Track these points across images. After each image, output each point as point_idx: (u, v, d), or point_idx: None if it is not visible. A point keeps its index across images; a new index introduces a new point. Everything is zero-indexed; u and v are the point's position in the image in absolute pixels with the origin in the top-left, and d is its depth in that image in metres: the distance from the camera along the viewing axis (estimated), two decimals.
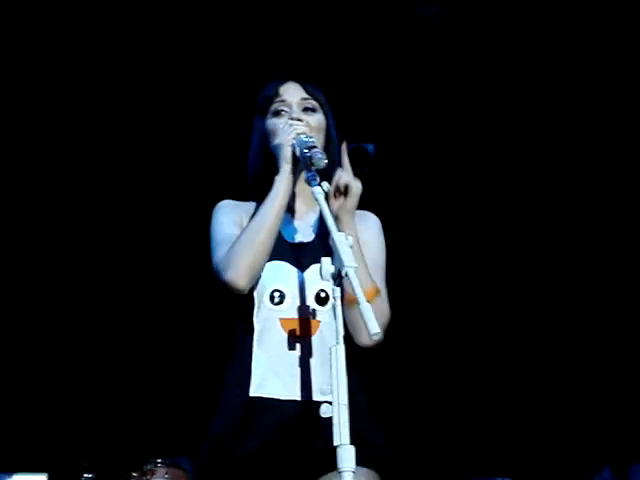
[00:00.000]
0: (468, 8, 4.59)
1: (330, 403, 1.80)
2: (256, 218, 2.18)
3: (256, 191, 2.35)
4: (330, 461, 1.74)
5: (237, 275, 2.13)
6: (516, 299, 5.84)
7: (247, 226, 2.20)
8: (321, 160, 2.08)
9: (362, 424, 2.12)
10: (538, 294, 5.84)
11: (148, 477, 4.61)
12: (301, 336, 2.16)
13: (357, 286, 1.73)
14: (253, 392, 2.16)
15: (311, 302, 2.18)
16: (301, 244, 2.28)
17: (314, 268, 2.19)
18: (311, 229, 2.29)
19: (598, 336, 5.78)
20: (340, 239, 1.84)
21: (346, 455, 1.70)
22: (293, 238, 2.30)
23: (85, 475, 4.59)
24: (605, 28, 4.61)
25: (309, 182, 2.07)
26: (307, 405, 2.11)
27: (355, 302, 1.74)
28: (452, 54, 4.85)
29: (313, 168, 2.08)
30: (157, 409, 5.65)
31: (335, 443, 1.71)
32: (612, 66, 4.83)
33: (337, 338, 1.80)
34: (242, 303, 2.23)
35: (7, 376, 5.56)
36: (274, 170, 2.26)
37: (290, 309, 2.18)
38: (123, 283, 5.66)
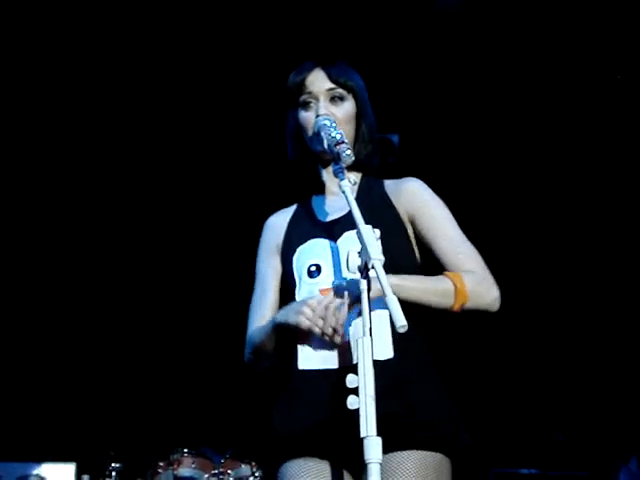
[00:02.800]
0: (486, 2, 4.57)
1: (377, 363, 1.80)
2: (261, 332, 2.28)
3: (296, 180, 2.41)
4: (382, 427, 1.72)
5: (249, 360, 2.35)
6: (538, 294, 5.81)
7: (258, 329, 2.30)
8: (348, 157, 2.09)
9: (424, 399, 2.10)
10: (559, 288, 5.81)
11: (175, 466, 4.65)
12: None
13: (384, 279, 1.72)
14: (301, 365, 2.17)
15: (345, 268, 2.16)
16: (333, 221, 2.30)
17: (345, 236, 2.20)
18: (345, 206, 2.23)
19: (624, 329, 5.75)
20: (367, 232, 1.84)
21: (373, 447, 1.69)
22: (326, 217, 2.33)
23: (113, 464, 4.63)
24: (618, 27, 4.59)
25: (336, 175, 2.09)
26: (351, 370, 2.01)
27: None
28: (473, 46, 4.82)
29: (340, 162, 2.08)
30: (184, 400, 5.67)
31: (362, 434, 1.70)
32: (623, 67, 4.81)
33: (363, 330, 1.80)
34: (289, 287, 2.28)
35: (37, 367, 5.61)
36: (310, 160, 2.34)
37: (328, 279, 2.18)
38: (152, 271, 5.68)
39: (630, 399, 5.66)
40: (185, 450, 4.69)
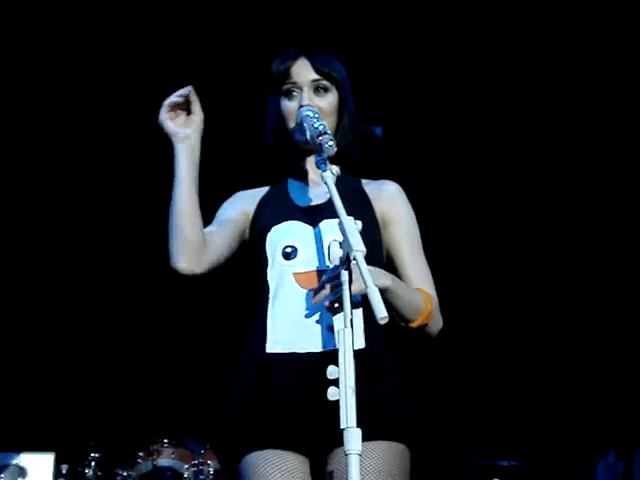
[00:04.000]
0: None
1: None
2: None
3: (275, 166, 2.41)
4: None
5: (173, 260, 2.18)
6: (519, 289, 5.85)
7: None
8: (331, 148, 2.08)
9: (390, 389, 2.11)
10: (540, 284, 5.84)
11: (154, 457, 4.64)
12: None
13: (365, 270, 1.72)
14: (270, 349, 2.14)
15: (323, 254, 2.16)
16: (312, 207, 2.29)
17: (326, 223, 2.20)
18: (323, 194, 2.24)
19: (603, 321, 5.79)
20: (349, 223, 1.84)
21: (353, 438, 1.69)
22: (303, 202, 2.32)
23: (92, 454, 4.62)
24: (611, 27, 4.61)
25: (319, 166, 2.09)
26: (327, 356, 2.04)
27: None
28: (459, 39, 4.83)
29: (323, 154, 2.08)
30: (163, 390, 5.67)
31: (342, 426, 1.71)
32: (619, 65, 4.83)
33: (344, 321, 1.80)
34: (257, 266, 2.26)
35: (15, 356, 5.59)
36: (291, 149, 2.34)
37: (303, 263, 2.18)
38: (136, 266, 5.67)
39: (609, 392, 5.70)
40: (165, 441, 4.68)
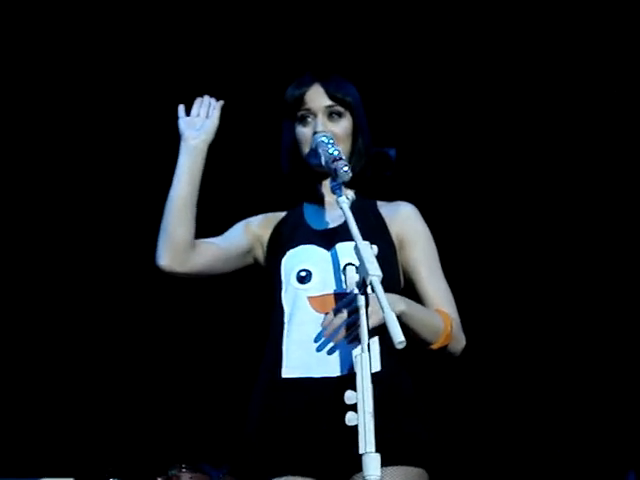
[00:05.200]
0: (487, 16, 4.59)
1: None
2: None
3: (290, 191, 2.43)
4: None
5: (157, 255, 2.25)
6: (534, 305, 5.81)
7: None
8: (346, 174, 2.09)
9: (407, 414, 2.11)
10: (554, 300, 5.81)
11: None
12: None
13: (382, 295, 1.72)
14: (285, 374, 2.14)
15: (339, 277, 2.17)
16: (327, 230, 2.30)
17: (340, 246, 2.21)
18: (339, 217, 2.25)
19: (623, 343, 5.75)
20: (365, 248, 1.84)
21: (372, 463, 1.69)
22: (319, 225, 2.34)
23: (110, 479, 4.62)
24: (605, 28, 4.60)
25: (334, 191, 2.10)
26: (343, 380, 2.05)
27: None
28: (471, 59, 4.84)
29: (338, 179, 2.09)
30: (182, 415, 5.66)
31: (360, 451, 1.70)
32: (613, 66, 4.81)
33: (362, 346, 1.79)
34: (272, 290, 2.27)
35: (34, 381, 5.60)
36: (306, 173, 2.36)
37: (317, 287, 2.18)
38: (144, 293, 5.66)
39: (629, 413, 5.66)
40: (183, 465, 4.68)
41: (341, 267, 2.18)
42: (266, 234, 2.39)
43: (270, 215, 2.46)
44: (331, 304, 2.13)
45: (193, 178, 2.29)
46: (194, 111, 2.38)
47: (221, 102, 2.38)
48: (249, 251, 2.39)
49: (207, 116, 2.36)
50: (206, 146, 2.34)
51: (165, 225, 2.26)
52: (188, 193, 2.27)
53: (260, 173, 4.53)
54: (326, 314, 2.05)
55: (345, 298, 2.00)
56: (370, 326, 1.85)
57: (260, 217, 2.46)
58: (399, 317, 1.92)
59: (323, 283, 2.19)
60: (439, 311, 2.20)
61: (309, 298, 2.18)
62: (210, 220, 2.40)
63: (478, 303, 5.41)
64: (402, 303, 2.07)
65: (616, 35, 4.63)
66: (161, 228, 2.27)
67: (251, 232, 2.40)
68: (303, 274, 2.21)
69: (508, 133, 5.26)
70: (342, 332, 1.97)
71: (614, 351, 5.79)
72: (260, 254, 2.39)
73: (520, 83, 4.93)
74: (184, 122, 2.35)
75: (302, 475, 2.09)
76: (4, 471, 4.88)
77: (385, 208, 2.37)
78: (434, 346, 2.16)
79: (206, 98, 2.40)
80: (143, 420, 5.65)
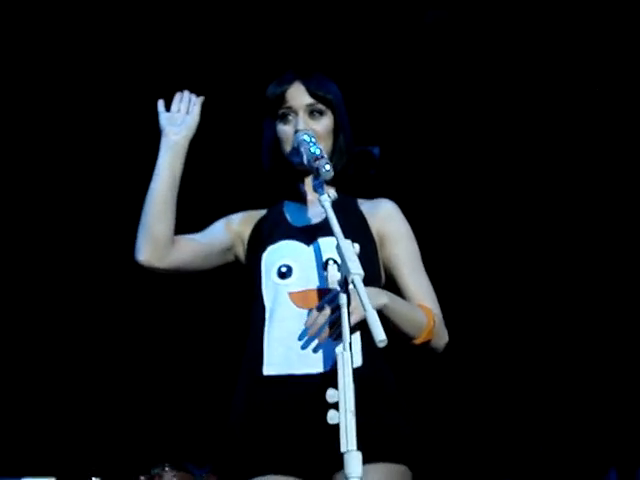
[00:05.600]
0: (472, 14, 4.59)
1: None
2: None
3: (272, 190, 2.42)
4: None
5: (136, 250, 2.24)
6: (518, 302, 5.84)
7: None
8: (328, 173, 2.08)
9: (388, 410, 2.10)
10: (542, 295, 5.83)
11: None
12: (311, 307, 2.09)
13: (363, 293, 1.71)
14: (266, 371, 2.13)
15: (320, 272, 2.17)
16: (308, 226, 2.30)
17: (322, 241, 2.20)
18: (320, 214, 2.26)
19: (605, 340, 5.78)
20: (346, 246, 1.84)
21: (354, 461, 1.68)
22: (299, 222, 2.33)
23: (93, 479, 4.61)
24: (605, 28, 4.61)
25: (316, 189, 2.09)
26: (324, 377, 2.04)
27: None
28: (455, 57, 4.84)
29: (320, 178, 2.09)
30: (165, 414, 5.66)
31: (342, 450, 1.69)
32: (612, 66, 4.83)
33: (344, 345, 1.79)
34: (252, 285, 2.26)
35: (15, 381, 5.58)
36: (287, 171, 2.35)
37: (298, 282, 2.18)
38: (130, 291, 5.66)
39: (610, 411, 5.69)
40: (166, 464, 4.67)
41: (321, 263, 2.18)
42: (246, 231, 2.38)
43: (251, 212, 2.45)
44: (312, 299, 2.13)
45: (173, 174, 2.29)
46: (174, 107, 2.36)
47: (201, 98, 2.38)
48: (229, 248, 2.38)
49: (187, 112, 2.36)
50: (187, 142, 2.34)
51: (145, 220, 2.25)
52: (168, 189, 2.27)
53: (241, 170, 4.54)
54: (309, 311, 2.05)
55: (327, 295, 1.99)
56: (352, 323, 1.85)
57: (240, 214, 2.45)
58: (381, 311, 1.93)
59: (304, 278, 2.18)
60: (422, 306, 2.20)
61: (290, 294, 2.17)
62: (190, 217, 2.39)
63: (462, 299, 5.43)
64: (384, 296, 2.06)
65: (616, 35, 4.65)
66: (140, 223, 2.25)
67: (232, 229, 2.39)
68: (284, 270, 2.21)
69: (493, 130, 5.27)
70: (326, 331, 1.96)
71: (597, 349, 5.82)
72: (240, 251, 2.38)
73: (506, 79, 4.94)
74: (164, 117, 2.35)
75: (284, 474, 2.08)
76: None
77: (366, 205, 2.36)
78: (417, 341, 2.15)
79: (186, 94, 2.39)
80: (126, 419, 5.64)
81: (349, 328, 1.82)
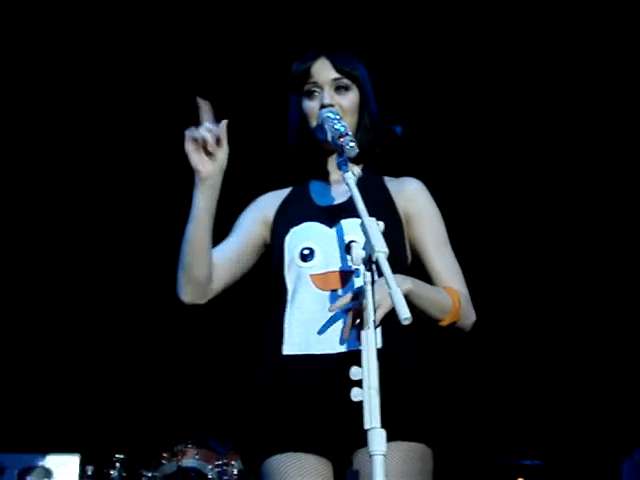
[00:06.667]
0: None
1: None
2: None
3: (298, 166, 2.41)
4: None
5: (179, 291, 2.22)
6: (541, 288, 5.82)
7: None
8: (352, 150, 2.08)
9: (408, 390, 2.10)
10: (561, 285, 5.82)
11: (179, 457, 4.67)
12: (332, 289, 2.14)
13: (387, 271, 1.71)
14: (285, 351, 2.14)
15: (342, 254, 2.17)
16: (331, 206, 2.29)
17: (345, 222, 2.20)
18: (344, 193, 2.25)
19: (627, 322, 5.75)
20: (371, 224, 1.83)
21: (377, 438, 1.69)
22: (323, 201, 2.33)
23: (117, 455, 4.65)
24: (605, 28, 4.59)
25: (340, 167, 2.09)
26: (344, 357, 2.05)
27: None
28: (478, 39, 4.82)
29: (344, 155, 2.08)
30: (188, 391, 5.69)
31: (366, 426, 1.70)
32: (612, 66, 4.80)
33: (367, 323, 1.79)
34: (276, 268, 2.26)
35: (41, 359, 5.63)
36: (313, 149, 2.34)
37: (320, 264, 2.18)
38: (153, 267, 5.68)
39: (635, 389, 5.66)
40: (189, 441, 4.70)
41: (344, 245, 2.17)
42: (271, 212, 2.38)
43: (275, 192, 2.45)
44: (334, 281, 2.14)
45: (210, 214, 2.16)
46: (198, 134, 2.10)
47: (225, 122, 2.13)
48: (262, 241, 2.37)
49: (215, 142, 2.10)
50: (222, 176, 2.15)
51: (183, 264, 2.18)
52: (206, 232, 2.16)
53: (268, 150, 4.54)
54: (331, 292, 2.09)
55: (353, 290, 2.01)
56: (377, 319, 1.86)
57: (264, 198, 2.45)
58: (406, 296, 1.91)
59: (325, 261, 2.18)
60: (446, 288, 2.20)
61: (311, 276, 2.18)
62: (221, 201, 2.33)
63: (485, 281, 5.41)
64: (409, 282, 2.06)
65: (616, 35, 4.62)
66: (180, 266, 2.19)
67: (259, 220, 2.38)
68: (306, 252, 2.21)
69: (515, 114, 5.25)
70: (349, 322, 1.97)
71: (621, 330, 5.80)
72: (269, 235, 2.38)
73: (527, 63, 4.92)
74: (195, 158, 2.11)
75: (304, 451, 2.09)
76: (11, 446, 4.91)
77: (392, 184, 2.35)
78: (443, 323, 2.15)
79: (206, 124, 2.11)
80: (149, 396, 5.67)
81: (373, 308, 1.81)
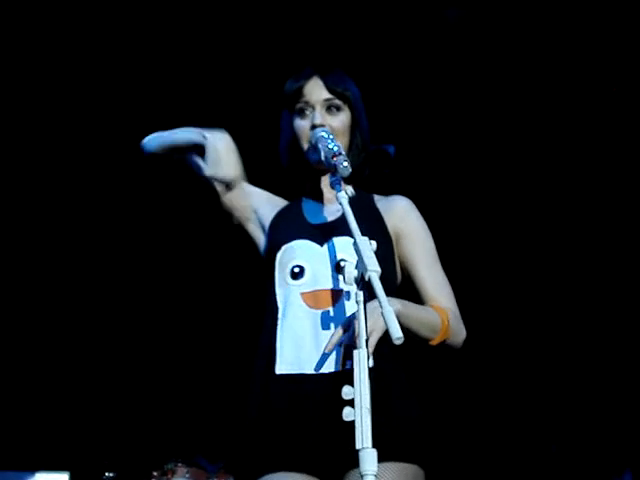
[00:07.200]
0: (486, 13, 4.58)
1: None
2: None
3: (289, 185, 2.44)
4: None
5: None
6: (531, 305, 5.82)
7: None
8: (346, 169, 2.10)
9: (401, 409, 2.10)
10: (551, 297, 5.82)
11: (169, 476, 4.64)
12: (323, 308, 2.13)
13: (380, 291, 1.72)
14: (278, 370, 2.13)
15: (331, 273, 2.17)
16: (324, 224, 2.30)
17: (336, 241, 2.20)
18: (336, 212, 2.27)
19: (620, 340, 5.75)
20: (364, 243, 1.84)
21: (369, 458, 1.69)
22: (315, 219, 2.34)
23: (106, 474, 4.63)
24: (609, 29, 4.61)
25: (333, 186, 2.10)
26: (336, 376, 2.04)
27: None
28: (471, 56, 4.83)
29: (337, 174, 2.09)
30: (178, 410, 5.67)
31: (357, 446, 1.70)
32: (615, 67, 4.82)
33: (359, 342, 1.79)
34: (267, 285, 2.26)
35: (29, 375, 5.60)
36: (305, 168, 2.36)
37: (310, 282, 2.18)
38: (146, 284, 5.68)
39: (624, 412, 5.67)
40: (179, 460, 4.69)
41: (333, 263, 2.18)
42: (269, 217, 2.40)
43: (276, 199, 2.47)
44: (324, 300, 2.14)
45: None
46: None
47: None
48: (247, 208, 2.44)
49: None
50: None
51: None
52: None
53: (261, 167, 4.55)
54: (322, 313, 2.11)
55: (343, 321, 2.02)
56: (371, 345, 1.89)
57: (267, 194, 2.48)
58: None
59: (316, 279, 2.18)
60: (435, 306, 2.20)
61: (302, 294, 2.18)
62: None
63: (475, 299, 5.42)
64: (397, 303, 2.07)
65: (616, 35, 4.63)
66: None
67: (259, 203, 2.44)
68: (296, 270, 2.21)
69: (505, 129, 5.26)
70: (336, 336, 2.00)
71: (612, 349, 5.80)
72: (251, 227, 2.43)
73: (517, 80, 4.93)
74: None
75: (297, 471, 2.08)
76: (0, 464, 4.89)
77: (381, 202, 2.36)
78: (433, 342, 2.16)
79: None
80: (139, 414, 5.65)
81: (365, 327, 1.81)
